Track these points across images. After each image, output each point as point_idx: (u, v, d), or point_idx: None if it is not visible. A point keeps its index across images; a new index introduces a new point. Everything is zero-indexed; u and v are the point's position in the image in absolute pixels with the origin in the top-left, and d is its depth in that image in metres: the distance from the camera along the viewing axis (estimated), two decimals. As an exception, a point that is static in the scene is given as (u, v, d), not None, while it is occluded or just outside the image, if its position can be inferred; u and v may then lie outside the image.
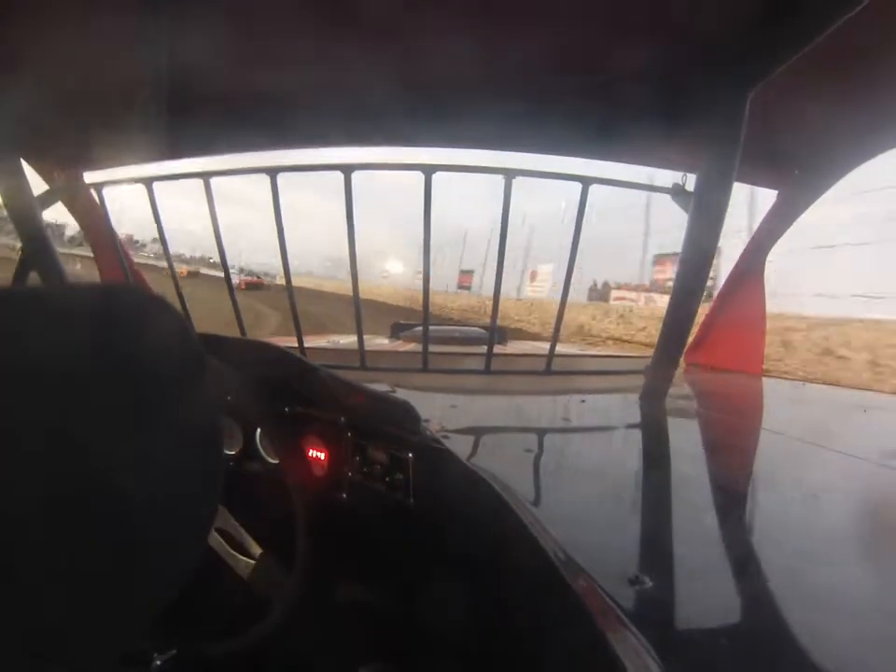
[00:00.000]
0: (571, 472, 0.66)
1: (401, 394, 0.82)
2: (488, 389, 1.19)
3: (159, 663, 0.67)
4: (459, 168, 1.11)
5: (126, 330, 0.36)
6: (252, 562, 0.74)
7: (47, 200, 1.15)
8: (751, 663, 0.31)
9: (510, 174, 1.02)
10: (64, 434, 0.31)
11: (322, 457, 0.76)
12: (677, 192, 1.03)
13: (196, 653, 0.70)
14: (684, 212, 0.95)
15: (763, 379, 1.42)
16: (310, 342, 1.26)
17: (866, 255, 7.08)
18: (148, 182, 1.08)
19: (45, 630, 0.30)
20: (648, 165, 1.16)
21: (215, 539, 0.74)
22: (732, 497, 0.58)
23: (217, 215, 1.10)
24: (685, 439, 0.85)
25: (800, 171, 1.15)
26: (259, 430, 0.81)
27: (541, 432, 0.84)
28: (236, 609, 0.74)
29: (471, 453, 0.65)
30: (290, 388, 0.78)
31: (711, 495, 0.60)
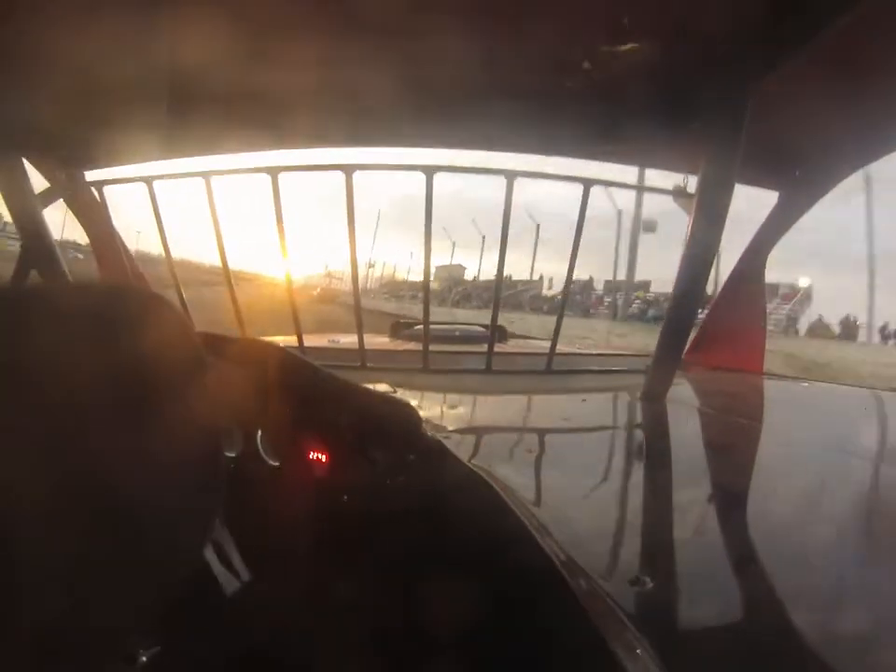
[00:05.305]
0: (572, 472, 0.66)
1: (402, 394, 0.82)
2: (489, 389, 1.19)
3: (144, 659, 0.66)
4: (461, 169, 1.11)
5: (126, 330, 0.36)
6: (239, 584, 0.73)
7: (48, 198, 1.15)
8: (752, 663, 0.31)
9: (511, 175, 1.02)
10: (64, 433, 0.31)
11: (323, 459, 0.76)
12: (678, 194, 1.03)
13: (185, 651, 0.70)
14: (686, 214, 0.95)
15: (765, 379, 1.42)
16: (310, 341, 1.26)
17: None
18: (149, 181, 1.08)
19: (45, 628, 0.30)
20: (649, 167, 1.16)
21: (208, 550, 0.73)
22: (733, 498, 0.58)
23: (217, 214, 1.10)
24: (686, 438, 0.85)
25: (801, 172, 1.15)
26: (259, 432, 0.81)
27: (542, 432, 0.84)
28: (231, 608, 0.73)
29: (472, 453, 0.65)
30: (291, 388, 0.78)
31: (712, 495, 0.60)
